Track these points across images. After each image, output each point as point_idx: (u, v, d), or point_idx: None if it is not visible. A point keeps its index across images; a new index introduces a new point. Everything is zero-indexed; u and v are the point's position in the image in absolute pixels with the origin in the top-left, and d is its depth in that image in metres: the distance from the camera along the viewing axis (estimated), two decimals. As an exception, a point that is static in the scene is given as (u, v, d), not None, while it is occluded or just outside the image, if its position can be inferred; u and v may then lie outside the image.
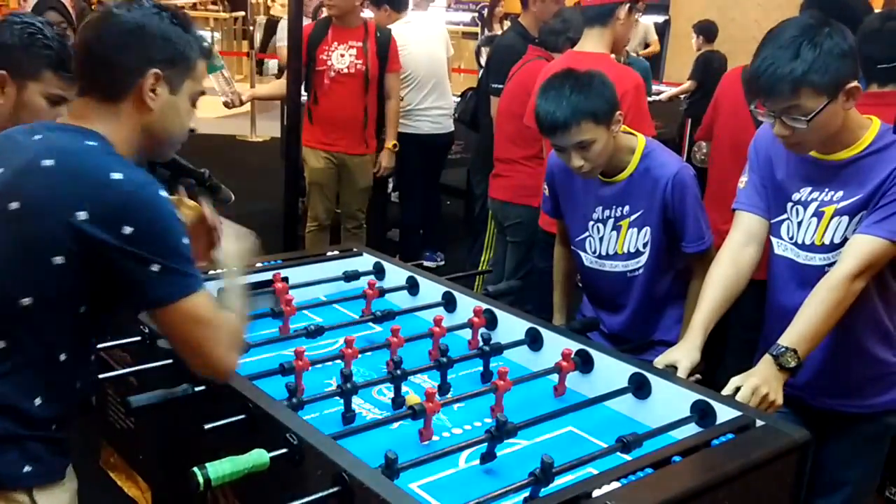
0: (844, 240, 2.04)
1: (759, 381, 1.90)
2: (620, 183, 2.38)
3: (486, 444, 1.67)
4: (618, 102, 2.31)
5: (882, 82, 2.77)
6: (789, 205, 2.14)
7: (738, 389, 1.90)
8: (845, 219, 2.04)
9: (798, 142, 1.99)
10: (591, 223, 2.45)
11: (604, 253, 2.45)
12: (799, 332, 1.97)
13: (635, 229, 2.39)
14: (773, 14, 2.80)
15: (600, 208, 2.43)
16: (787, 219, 2.15)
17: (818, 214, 2.07)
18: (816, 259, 2.09)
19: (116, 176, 1.49)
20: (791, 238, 2.14)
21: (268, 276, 2.51)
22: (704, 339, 2.12)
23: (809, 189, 2.10)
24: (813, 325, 1.97)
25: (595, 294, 2.58)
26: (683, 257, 2.41)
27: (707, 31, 7.79)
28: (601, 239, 2.44)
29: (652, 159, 2.37)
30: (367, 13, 5.13)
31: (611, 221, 2.42)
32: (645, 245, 2.39)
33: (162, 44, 1.60)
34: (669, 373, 2.00)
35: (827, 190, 2.07)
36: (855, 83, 1.93)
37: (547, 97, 2.28)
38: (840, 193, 2.04)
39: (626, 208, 2.39)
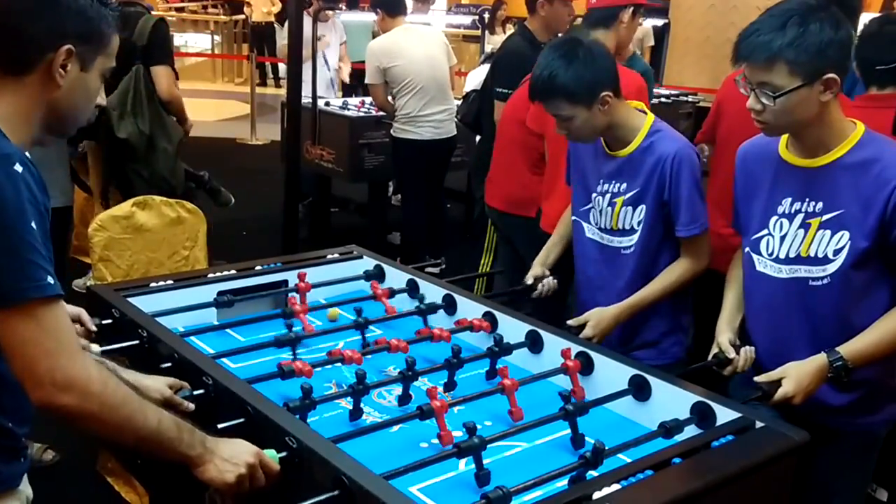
0: (828, 252, 1.99)
1: (796, 387, 1.93)
2: (621, 159, 2.38)
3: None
4: (605, 82, 2.26)
5: (881, 85, 2.77)
6: (773, 219, 2.09)
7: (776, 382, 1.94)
8: (828, 233, 1.98)
9: (766, 121, 1.95)
10: (594, 195, 2.45)
11: (604, 226, 2.44)
12: (862, 350, 1.95)
13: (630, 207, 2.37)
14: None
15: (601, 181, 2.43)
16: (769, 234, 2.10)
17: (805, 226, 2.02)
18: (801, 271, 2.04)
19: None
20: (771, 254, 2.09)
21: (271, 278, 2.54)
22: (735, 339, 2.16)
23: (790, 200, 2.05)
24: (877, 348, 1.96)
25: (588, 273, 2.53)
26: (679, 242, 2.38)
27: None
28: (601, 212, 2.45)
29: (657, 139, 2.35)
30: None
31: (608, 196, 2.42)
32: (639, 224, 2.37)
33: (77, 18, 1.46)
34: (670, 376, 1.99)
35: (808, 200, 2.02)
36: (833, 75, 1.87)
37: (538, 64, 2.30)
38: (821, 205, 2.00)
39: (623, 185, 2.38)
